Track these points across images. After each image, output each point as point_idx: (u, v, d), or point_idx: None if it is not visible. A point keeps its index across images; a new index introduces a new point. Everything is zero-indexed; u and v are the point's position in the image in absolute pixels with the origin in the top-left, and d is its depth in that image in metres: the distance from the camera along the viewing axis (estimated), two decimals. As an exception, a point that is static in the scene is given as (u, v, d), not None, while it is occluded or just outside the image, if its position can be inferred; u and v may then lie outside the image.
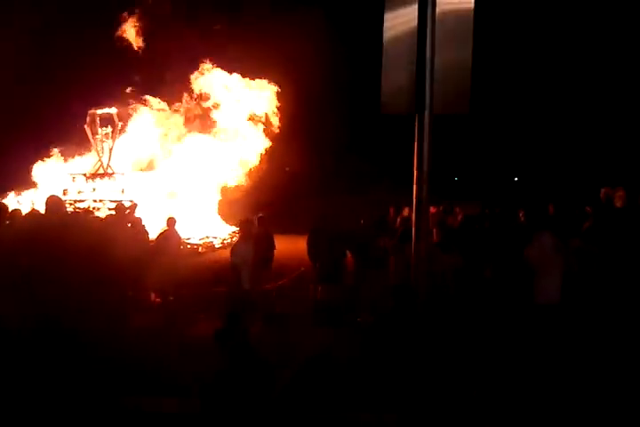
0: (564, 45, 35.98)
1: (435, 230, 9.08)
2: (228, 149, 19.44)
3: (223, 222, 19.48)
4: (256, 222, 9.02)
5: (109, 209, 14.75)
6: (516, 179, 47.35)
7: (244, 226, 8.19)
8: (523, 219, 10.15)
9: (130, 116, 19.61)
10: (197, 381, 4.19)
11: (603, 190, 8.44)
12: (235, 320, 4.48)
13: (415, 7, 3.11)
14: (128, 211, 9.16)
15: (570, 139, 40.48)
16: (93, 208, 16.78)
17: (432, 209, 15.08)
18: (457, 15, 3.14)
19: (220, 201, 20.06)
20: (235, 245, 8.18)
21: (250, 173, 19.97)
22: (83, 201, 17.48)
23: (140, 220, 9.08)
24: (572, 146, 40.49)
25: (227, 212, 19.69)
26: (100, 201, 17.33)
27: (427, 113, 3.08)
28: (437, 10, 3.08)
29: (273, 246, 9.24)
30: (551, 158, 42.64)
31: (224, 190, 19.97)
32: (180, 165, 18.92)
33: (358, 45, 20.22)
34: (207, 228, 17.79)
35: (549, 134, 42.34)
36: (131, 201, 14.06)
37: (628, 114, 34.35)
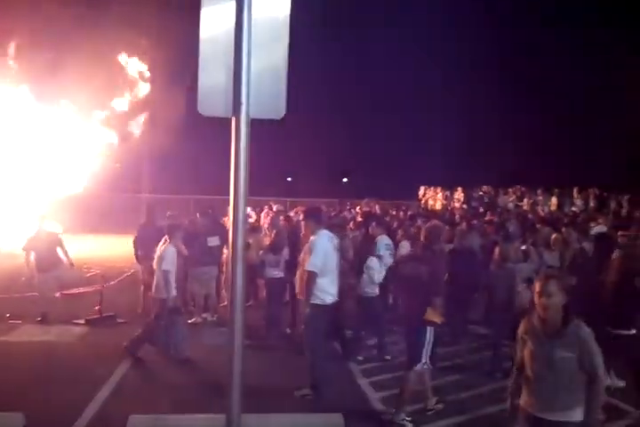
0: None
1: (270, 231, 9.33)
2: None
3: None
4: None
5: None
6: (345, 180, 48.94)
7: (173, 230, 7.89)
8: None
9: None
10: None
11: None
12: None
13: (233, 5, 3.04)
14: None
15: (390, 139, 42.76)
16: None
17: (268, 210, 15.29)
18: (273, 19, 3.13)
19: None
20: (164, 250, 7.69)
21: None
22: None
23: None
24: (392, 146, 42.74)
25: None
26: None
27: (243, 116, 3.04)
28: (254, 13, 3.05)
29: None
30: (376, 158, 44.76)
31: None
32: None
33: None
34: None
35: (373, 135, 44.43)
36: None
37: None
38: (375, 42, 43.03)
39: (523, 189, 25.17)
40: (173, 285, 7.60)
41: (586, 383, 3.54)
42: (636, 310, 5.91)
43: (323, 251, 6.39)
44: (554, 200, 22.88)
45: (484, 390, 6.84)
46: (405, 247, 9.14)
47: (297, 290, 7.04)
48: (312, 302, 6.38)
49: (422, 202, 27.64)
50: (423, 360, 5.74)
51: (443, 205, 25.74)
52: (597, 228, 11.36)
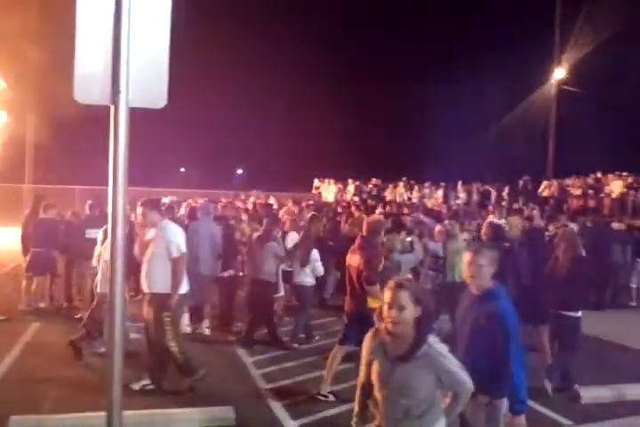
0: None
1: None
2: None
3: None
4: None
5: None
6: (240, 171, 48.58)
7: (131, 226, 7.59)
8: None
9: None
10: None
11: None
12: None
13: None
14: None
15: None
16: None
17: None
18: (154, 4, 3.04)
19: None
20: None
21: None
22: None
23: None
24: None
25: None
26: None
27: (122, 104, 2.94)
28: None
29: None
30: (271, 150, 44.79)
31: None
32: None
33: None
34: None
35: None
36: None
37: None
38: (265, 34, 42.89)
39: (412, 182, 26.05)
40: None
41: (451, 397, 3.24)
42: (581, 294, 6.50)
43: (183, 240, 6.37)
44: (440, 193, 23.83)
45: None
46: (293, 238, 9.36)
47: None
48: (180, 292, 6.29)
49: (317, 194, 27.98)
50: None
51: (335, 197, 26.16)
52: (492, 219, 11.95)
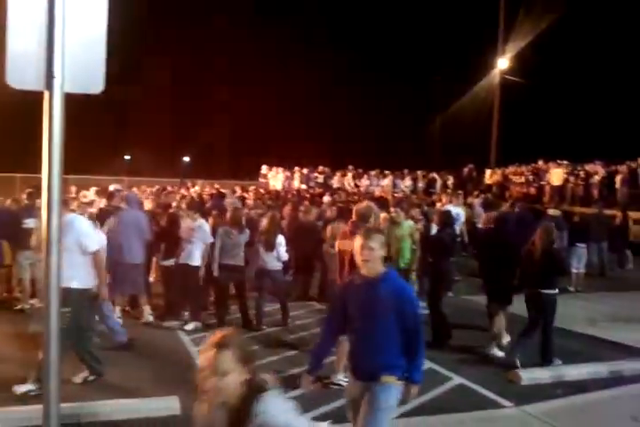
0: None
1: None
2: None
3: None
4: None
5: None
6: (186, 159, 48.00)
7: (103, 214, 7.98)
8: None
9: None
10: None
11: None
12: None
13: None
14: None
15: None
16: None
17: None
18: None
19: None
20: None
21: None
22: None
23: None
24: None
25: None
26: None
27: (56, 90, 2.84)
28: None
29: None
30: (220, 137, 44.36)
31: None
32: None
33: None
34: None
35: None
36: None
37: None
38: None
39: (359, 170, 26.21)
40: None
41: None
42: (557, 274, 7.27)
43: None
44: (387, 181, 24.05)
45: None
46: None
47: None
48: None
49: (264, 182, 27.85)
50: None
51: (283, 185, 26.11)
52: (450, 207, 12.17)
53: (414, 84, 38.16)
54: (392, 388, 3.82)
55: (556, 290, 7.14)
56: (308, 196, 18.69)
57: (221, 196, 15.49)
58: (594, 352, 7.67)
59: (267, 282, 8.86)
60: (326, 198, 16.03)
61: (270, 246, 8.69)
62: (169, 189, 20.11)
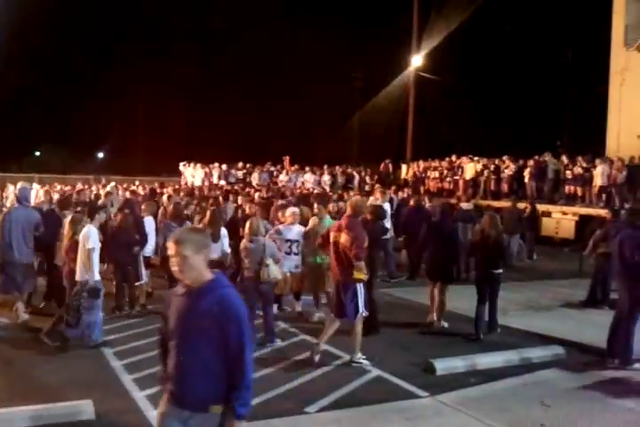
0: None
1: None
2: None
3: None
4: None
5: None
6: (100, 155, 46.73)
7: (93, 210, 8.01)
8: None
9: None
10: None
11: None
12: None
13: None
14: None
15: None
16: None
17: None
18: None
19: None
20: (88, 230, 7.39)
21: None
22: None
23: None
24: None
25: None
26: None
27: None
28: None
29: None
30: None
31: None
32: None
33: None
34: None
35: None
36: None
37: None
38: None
39: (278, 166, 26.22)
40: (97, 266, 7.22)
41: None
42: (502, 258, 8.37)
43: None
44: (307, 177, 24.17)
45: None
46: (150, 222, 9.73)
47: None
48: None
49: (182, 178, 27.37)
50: (361, 310, 6.83)
51: (202, 181, 25.74)
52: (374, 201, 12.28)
53: (334, 81, 38.51)
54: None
55: (501, 270, 8.26)
56: (233, 191, 18.69)
57: (154, 194, 15.46)
58: (506, 341, 7.95)
59: None
60: (257, 194, 16.12)
61: (215, 238, 8.49)
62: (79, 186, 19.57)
